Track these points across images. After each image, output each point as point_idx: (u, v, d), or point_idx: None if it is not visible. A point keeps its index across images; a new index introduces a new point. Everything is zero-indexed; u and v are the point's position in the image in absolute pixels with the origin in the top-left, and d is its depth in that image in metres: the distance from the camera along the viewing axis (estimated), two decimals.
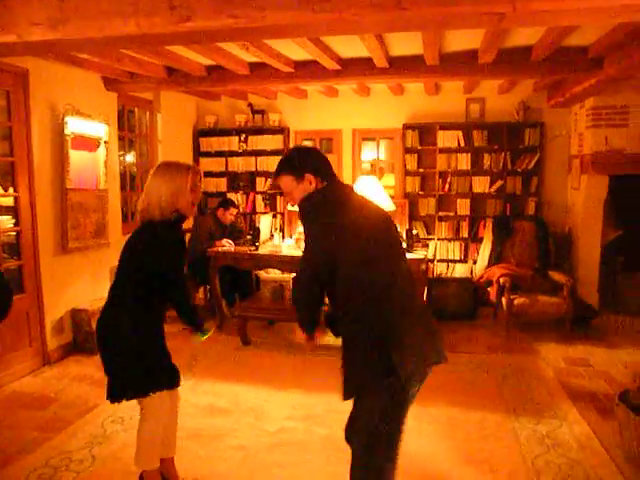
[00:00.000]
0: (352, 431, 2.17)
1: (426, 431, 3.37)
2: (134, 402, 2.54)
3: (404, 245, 4.39)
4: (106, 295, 2.58)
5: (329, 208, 2.11)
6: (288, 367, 4.48)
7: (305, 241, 2.18)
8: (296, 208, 2.25)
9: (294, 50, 4.41)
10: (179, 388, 2.68)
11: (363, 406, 2.10)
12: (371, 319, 2.04)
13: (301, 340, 2.31)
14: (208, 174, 7.12)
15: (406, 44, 4.29)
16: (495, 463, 3.00)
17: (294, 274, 5.47)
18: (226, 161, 7.07)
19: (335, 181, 2.22)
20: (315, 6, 2.35)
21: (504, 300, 5.26)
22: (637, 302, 5.54)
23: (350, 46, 4.40)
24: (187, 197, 2.42)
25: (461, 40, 4.20)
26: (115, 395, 2.47)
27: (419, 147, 6.67)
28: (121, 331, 2.44)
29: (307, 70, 4.94)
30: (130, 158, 6.30)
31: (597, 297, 5.70)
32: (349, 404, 2.15)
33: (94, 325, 4.73)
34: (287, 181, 2.19)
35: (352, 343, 2.08)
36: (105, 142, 5.08)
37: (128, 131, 5.81)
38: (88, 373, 4.30)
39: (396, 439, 2.08)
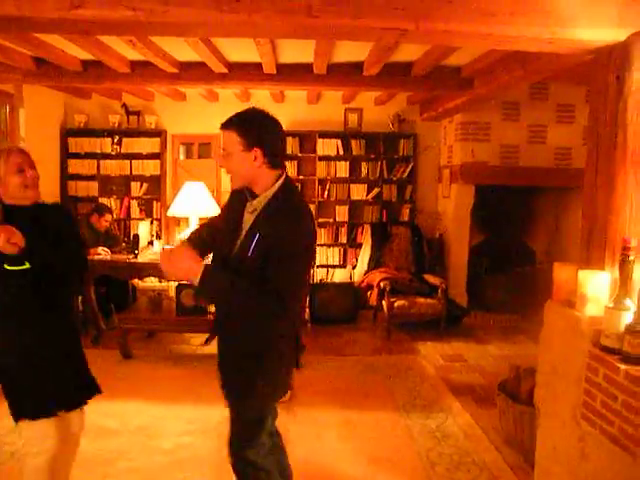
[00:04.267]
0: None
1: (324, 436, 3.40)
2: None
3: None
4: None
5: (303, 208, 1.98)
6: (176, 379, 4.27)
7: (279, 248, 1.84)
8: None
9: (181, 50, 4.26)
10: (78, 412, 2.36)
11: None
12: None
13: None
14: (78, 177, 6.61)
15: (296, 52, 4.34)
16: (394, 460, 3.11)
17: (172, 282, 5.29)
18: (98, 164, 6.60)
19: (287, 174, 2.00)
20: (224, 6, 2.28)
21: (385, 303, 5.50)
22: (500, 300, 6.12)
23: (239, 50, 4.35)
24: (12, 181, 2.09)
25: (349, 52, 4.34)
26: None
27: (299, 154, 6.77)
28: None
29: (192, 72, 4.80)
30: None
31: (466, 297, 6.20)
32: None
33: None
34: (232, 139, 1.87)
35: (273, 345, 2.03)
36: None
37: None
38: None
39: None
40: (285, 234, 1.86)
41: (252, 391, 2.02)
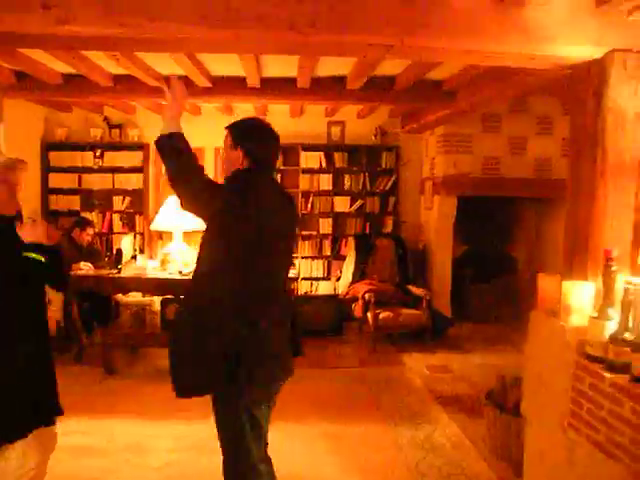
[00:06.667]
0: None
1: (311, 450, 3.39)
2: None
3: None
4: None
5: (250, 187, 2.10)
6: (162, 395, 4.16)
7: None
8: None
9: (165, 64, 4.26)
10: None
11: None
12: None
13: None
14: (59, 191, 6.54)
15: (280, 66, 4.37)
16: (383, 472, 3.11)
17: (157, 297, 5.26)
18: (79, 178, 6.55)
19: (263, 171, 2.19)
20: (212, 23, 2.30)
21: (370, 315, 5.51)
22: (483, 310, 6.18)
23: (223, 64, 4.37)
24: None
25: (332, 66, 4.38)
26: None
27: (282, 167, 6.78)
28: None
29: None
30: None
31: (450, 308, 6.25)
32: None
33: None
34: (227, 139, 2.21)
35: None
36: None
37: None
38: None
39: None
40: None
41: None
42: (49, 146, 6.52)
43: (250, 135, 2.18)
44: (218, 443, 2.14)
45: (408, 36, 2.36)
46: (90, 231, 5.54)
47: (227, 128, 2.22)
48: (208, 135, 6.65)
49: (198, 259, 2.15)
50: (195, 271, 2.16)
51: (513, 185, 6.00)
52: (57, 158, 6.51)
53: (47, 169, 6.50)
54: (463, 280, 6.40)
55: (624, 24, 2.43)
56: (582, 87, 2.55)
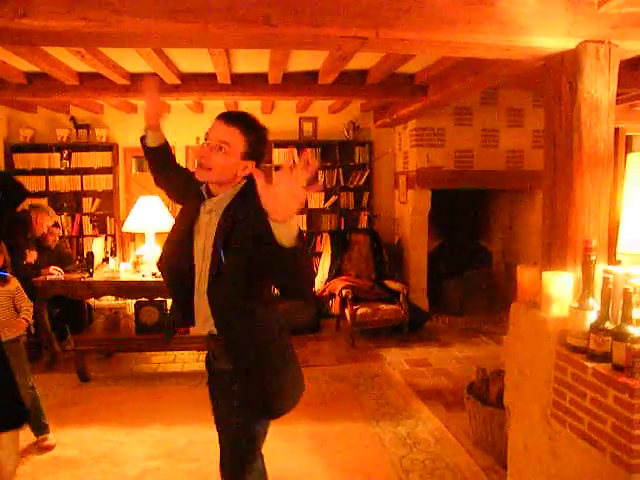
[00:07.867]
0: None
1: (294, 450, 3.34)
2: None
3: None
4: None
5: None
6: (138, 400, 4.12)
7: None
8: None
9: (132, 61, 4.15)
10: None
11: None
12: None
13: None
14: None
15: (251, 62, 4.30)
16: (367, 470, 3.09)
17: (131, 300, 5.13)
18: (46, 180, 6.36)
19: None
20: (180, 16, 2.23)
21: (347, 311, 5.49)
22: (459, 303, 6.21)
23: (192, 60, 4.27)
24: None
25: (304, 61, 4.33)
26: None
27: None
28: None
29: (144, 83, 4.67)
30: None
31: (427, 301, 6.27)
32: (211, 434, 2.07)
33: None
34: (236, 141, 1.76)
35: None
36: None
37: None
38: None
39: None
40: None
41: (263, 395, 1.96)
42: (13, 148, 6.32)
43: (265, 147, 1.91)
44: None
45: (383, 28, 2.32)
46: (46, 219, 5.30)
47: (240, 127, 1.78)
48: (178, 133, 6.55)
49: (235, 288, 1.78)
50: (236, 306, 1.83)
51: (486, 177, 6.03)
52: (22, 160, 6.31)
53: (12, 172, 6.28)
54: (438, 273, 6.42)
55: (595, 16, 2.45)
56: (556, 78, 2.55)
